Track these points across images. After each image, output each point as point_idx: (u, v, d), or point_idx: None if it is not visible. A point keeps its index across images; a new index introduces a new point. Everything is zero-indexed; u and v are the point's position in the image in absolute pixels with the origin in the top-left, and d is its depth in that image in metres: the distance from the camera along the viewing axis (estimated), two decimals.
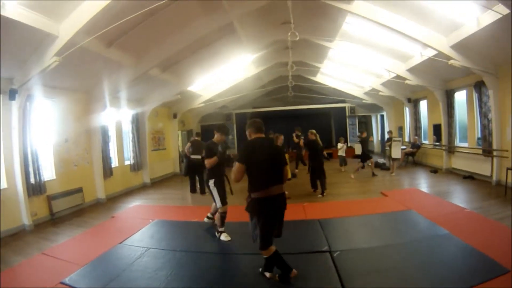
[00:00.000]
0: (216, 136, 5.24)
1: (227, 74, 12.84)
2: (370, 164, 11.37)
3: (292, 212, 5.80)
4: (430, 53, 8.73)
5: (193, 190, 9.69)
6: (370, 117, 20.43)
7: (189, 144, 9.57)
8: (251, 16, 8.16)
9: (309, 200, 7.91)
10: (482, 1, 5.96)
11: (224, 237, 5.23)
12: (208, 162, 5.06)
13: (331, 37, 9.75)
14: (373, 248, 4.69)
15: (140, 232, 5.84)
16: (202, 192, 9.37)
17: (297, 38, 7.36)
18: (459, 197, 7.94)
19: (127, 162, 10.98)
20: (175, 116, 14.24)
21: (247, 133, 3.82)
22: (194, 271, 4.15)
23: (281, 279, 3.68)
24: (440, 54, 8.24)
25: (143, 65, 8.30)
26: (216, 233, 5.36)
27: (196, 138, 9.81)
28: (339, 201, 7.93)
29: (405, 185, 9.96)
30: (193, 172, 9.59)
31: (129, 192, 10.38)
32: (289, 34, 7.28)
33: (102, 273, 4.18)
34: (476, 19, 6.76)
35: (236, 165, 3.50)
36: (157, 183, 12.19)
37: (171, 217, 6.89)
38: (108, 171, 9.39)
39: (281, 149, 4.07)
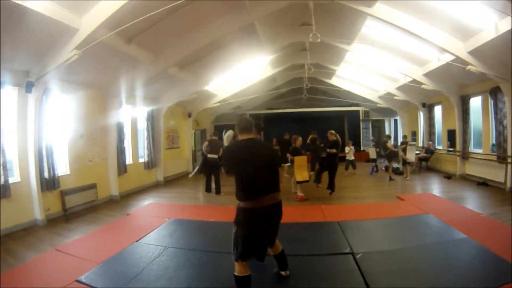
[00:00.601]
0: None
1: (243, 75, 12.82)
2: (388, 168, 11.42)
3: (311, 214, 5.87)
4: (448, 58, 8.65)
5: (208, 189, 9.66)
6: (383, 121, 20.25)
7: (206, 143, 9.61)
8: (271, 17, 8.10)
9: (326, 203, 7.89)
10: (501, 5, 5.83)
11: None
12: None
13: (349, 39, 9.69)
14: (394, 251, 4.73)
15: (157, 230, 5.80)
16: (218, 192, 9.35)
17: (319, 40, 7.32)
18: (474, 203, 7.87)
19: (141, 160, 11.02)
20: (189, 115, 14.29)
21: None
22: (217, 271, 4.07)
23: None
24: (457, 59, 8.19)
25: (161, 62, 8.29)
26: None
27: (214, 137, 9.77)
28: (356, 204, 7.93)
29: (419, 190, 9.89)
30: (209, 172, 9.58)
31: (143, 190, 10.40)
32: (311, 35, 7.23)
33: (120, 272, 4.09)
34: (494, 25, 6.72)
35: (223, 173, 3.32)
36: (170, 181, 12.20)
37: (187, 216, 6.83)
38: (122, 168, 9.42)
39: (274, 151, 3.60)
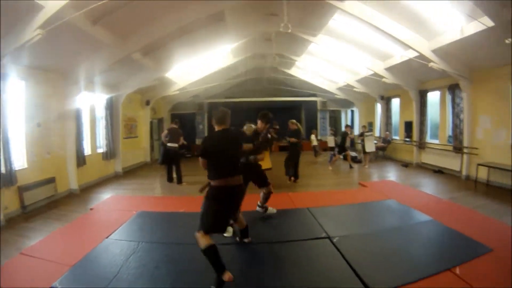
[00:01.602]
0: (259, 124, 5.44)
1: (205, 63, 12.49)
2: (347, 156, 11.83)
3: (280, 201, 5.97)
4: (411, 54, 9.07)
5: (170, 179, 9.40)
6: (340, 112, 20.83)
7: (166, 131, 9.27)
8: (241, 5, 7.96)
9: (292, 190, 8.04)
10: (469, 9, 6.29)
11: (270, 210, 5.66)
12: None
13: (316, 31, 9.78)
14: (368, 234, 4.99)
15: (126, 225, 5.46)
16: (179, 181, 9.11)
17: (289, 30, 7.31)
18: (433, 189, 8.43)
19: (99, 150, 10.37)
20: (147, 103, 13.66)
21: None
22: (200, 265, 3.82)
23: (216, 283, 3.38)
24: (421, 56, 8.66)
25: (127, 47, 7.80)
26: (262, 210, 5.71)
27: (174, 125, 9.41)
28: (322, 191, 8.17)
29: (380, 177, 10.37)
30: (170, 161, 9.30)
31: (102, 182, 9.82)
32: (282, 25, 7.20)
33: (96, 274, 3.77)
34: (460, 27, 7.22)
35: (200, 159, 3.69)
36: (129, 172, 11.67)
37: (154, 208, 6.55)
38: (81, 160, 8.78)
39: (239, 140, 3.99)
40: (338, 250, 4.28)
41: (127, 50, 7.88)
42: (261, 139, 5.25)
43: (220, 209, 3.57)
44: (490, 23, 6.18)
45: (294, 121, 9.25)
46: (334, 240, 4.58)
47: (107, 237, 4.88)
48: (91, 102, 9.77)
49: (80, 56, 7.59)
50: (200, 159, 3.68)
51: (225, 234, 5.05)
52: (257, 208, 5.75)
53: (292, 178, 9.05)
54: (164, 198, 7.85)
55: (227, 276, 3.35)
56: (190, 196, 7.41)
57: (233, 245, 4.56)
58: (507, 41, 6.20)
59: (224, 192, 3.62)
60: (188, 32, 8.77)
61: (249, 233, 4.55)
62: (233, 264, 3.93)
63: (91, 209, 6.62)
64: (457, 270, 3.63)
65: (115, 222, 5.58)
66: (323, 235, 4.82)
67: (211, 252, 3.41)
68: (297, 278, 3.69)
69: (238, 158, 3.94)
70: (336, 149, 12.01)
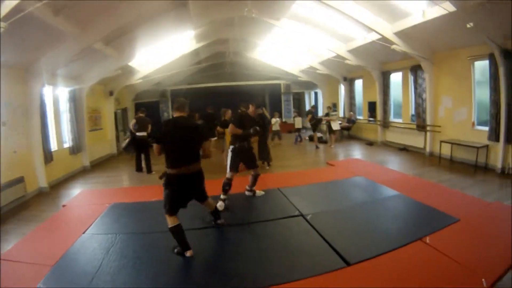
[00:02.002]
0: (251, 108, 5.71)
1: (167, 49, 12.21)
2: (314, 137, 12.03)
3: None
4: (373, 37, 9.39)
5: (139, 169, 9.36)
6: (303, 94, 21.15)
7: (134, 120, 9.20)
8: None
9: (262, 172, 8.05)
10: None
11: (218, 205, 5.26)
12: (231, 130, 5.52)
13: (279, 15, 9.82)
14: (339, 210, 5.24)
15: (101, 218, 5.37)
16: (149, 171, 9.10)
17: (253, 15, 7.33)
18: (399, 165, 8.95)
19: (65, 145, 9.98)
20: (111, 93, 13.23)
21: None
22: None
23: (179, 253, 3.88)
24: (383, 38, 8.99)
25: (89, 36, 7.51)
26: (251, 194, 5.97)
27: (141, 114, 9.30)
28: (292, 172, 8.38)
29: (346, 156, 10.81)
30: (139, 150, 9.23)
31: (71, 178, 9.54)
32: (246, 10, 7.20)
33: (78, 270, 3.71)
34: (422, 11, 7.56)
35: (154, 145, 3.83)
36: (97, 165, 11.39)
37: (127, 199, 6.44)
38: (48, 156, 8.45)
39: (198, 128, 4.13)
40: (312, 226, 4.47)
41: (90, 39, 7.63)
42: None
43: (173, 195, 3.84)
44: (451, 8, 6.50)
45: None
46: (308, 218, 4.77)
47: (83, 233, 4.79)
48: (54, 95, 9.37)
49: (41, 49, 7.23)
50: (154, 144, 3.83)
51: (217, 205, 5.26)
52: (246, 192, 5.98)
53: (265, 163, 9.17)
54: (136, 188, 7.76)
55: (189, 252, 3.80)
56: (161, 184, 7.34)
57: (211, 228, 4.67)
58: (468, 26, 6.59)
59: (177, 180, 3.82)
60: (151, 18, 8.57)
61: (220, 215, 4.68)
62: (212, 246, 4.16)
63: (63, 206, 6.44)
64: (427, 240, 3.89)
65: (90, 216, 5.47)
66: (296, 213, 5.00)
67: (175, 231, 3.81)
68: (277, 255, 3.85)
69: (196, 146, 4.05)
70: (303, 130, 12.22)
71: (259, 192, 6.00)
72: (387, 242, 3.95)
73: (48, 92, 8.88)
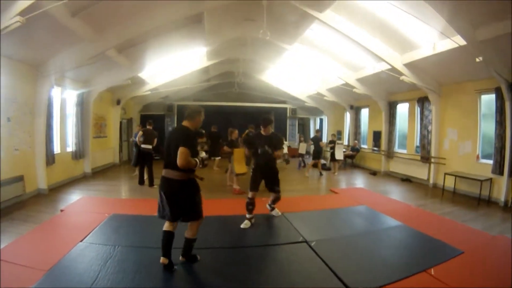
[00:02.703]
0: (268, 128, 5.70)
1: (178, 64, 12.27)
2: (318, 164, 11.90)
3: (256, 206, 5.85)
4: (383, 67, 9.47)
5: (141, 182, 9.18)
6: (308, 119, 21.17)
7: (140, 132, 9.02)
8: (221, 8, 7.95)
9: (265, 195, 7.90)
10: (442, 27, 6.69)
11: (244, 224, 5.53)
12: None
13: (292, 39, 9.94)
14: (343, 237, 5.21)
15: (99, 228, 5.29)
16: (151, 184, 8.93)
17: (268, 37, 7.40)
18: (402, 196, 8.81)
19: (68, 149, 9.89)
20: (118, 102, 13.27)
21: None
22: (183, 268, 3.95)
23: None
24: (393, 69, 9.10)
25: (104, 42, 7.54)
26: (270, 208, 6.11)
27: (148, 127, 9.20)
28: (295, 196, 8.22)
29: (349, 184, 10.65)
30: (142, 163, 9.12)
31: (71, 183, 9.41)
32: (261, 32, 7.27)
33: (74, 279, 3.58)
34: (432, 44, 7.69)
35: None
36: (98, 173, 11.27)
37: (127, 211, 6.37)
38: (50, 158, 8.33)
39: (182, 134, 3.80)
40: (316, 253, 4.42)
41: (103, 45, 7.66)
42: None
43: (159, 197, 3.88)
44: (462, 41, 6.59)
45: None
46: (312, 244, 4.71)
47: (81, 241, 4.69)
48: (62, 97, 9.34)
49: (54, 48, 7.28)
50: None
51: (241, 226, 5.43)
52: (267, 205, 6.10)
53: None
54: (137, 201, 7.61)
55: (162, 259, 3.81)
56: None
57: (214, 249, 4.59)
58: (477, 60, 6.70)
59: (161, 181, 3.85)
60: (166, 31, 8.70)
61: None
62: (213, 268, 4.01)
63: (61, 210, 6.35)
64: (432, 271, 3.85)
65: (88, 224, 5.39)
66: (301, 239, 4.96)
67: (163, 236, 3.85)
68: (280, 281, 3.77)
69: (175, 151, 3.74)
70: (307, 156, 12.16)
71: (276, 212, 6.03)
72: (391, 272, 3.91)
73: (56, 93, 8.86)
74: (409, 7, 6.37)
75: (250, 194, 5.56)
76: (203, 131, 11.48)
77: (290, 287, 3.64)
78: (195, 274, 3.85)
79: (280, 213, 6.10)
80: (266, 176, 5.69)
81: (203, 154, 4.02)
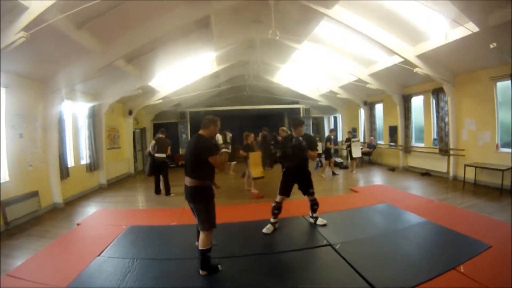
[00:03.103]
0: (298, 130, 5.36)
1: (188, 70, 12.25)
2: (330, 163, 11.68)
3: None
4: (395, 60, 9.26)
5: (157, 191, 9.09)
6: (322, 118, 20.91)
7: (153, 141, 8.93)
8: (228, 11, 7.85)
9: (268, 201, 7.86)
10: (454, 15, 6.41)
11: (266, 228, 5.32)
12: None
13: (301, 38, 9.81)
14: (368, 238, 5.02)
15: (117, 240, 5.18)
16: (167, 193, 8.83)
17: (278, 37, 7.27)
18: (423, 191, 8.57)
19: (82, 162, 9.92)
20: (130, 112, 13.29)
21: None
22: (203, 280, 3.79)
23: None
24: (406, 62, 8.86)
25: (111, 53, 7.49)
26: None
27: (161, 135, 9.09)
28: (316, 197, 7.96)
29: (369, 182, 10.40)
30: (158, 172, 9.00)
31: (87, 195, 9.40)
32: (270, 32, 7.14)
33: None
34: (444, 33, 7.44)
35: None
36: (114, 184, 11.28)
37: (144, 221, 6.26)
38: (64, 172, 8.35)
39: (200, 144, 3.86)
40: (342, 256, 4.26)
41: (112, 56, 7.59)
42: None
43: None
44: (474, 28, 6.34)
45: (285, 128, 9.05)
46: (336, 247, 4.56)
47: (99, 255, 4.59)
48: (73, 111, 9.37)
49: (62, 62, 7.26)
50: None
51: (263, 230, 5.24)
52: (310, 219, 5.84)
53: None
54: (154, 211, 7.53)
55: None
56: (179, 207, 7.12)
57: (236, 258, 4.43)
58: (491, 46, 6.40)
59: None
60: (173, 38, 8.60)
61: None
62: (238, 276, 3.88)
63: (78, 224, 6.29)
64: (462, 269, 3.69)
65: (105, 238, 5.29)
66: (324, 242, 4.82)
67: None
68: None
69: (197, 162, 3.82)
70: (323, 156, 11.93)
71: (321, 221, 5.65)
72: (420, 272, 3.75)
73: (67, 107, 8.87)
74: None
75: (278, 198, 5.37)
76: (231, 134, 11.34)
77: None
78: (218, 286, 3.68)
79: (325, 222, 5.62)
80: (299, 179, 5.46)
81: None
